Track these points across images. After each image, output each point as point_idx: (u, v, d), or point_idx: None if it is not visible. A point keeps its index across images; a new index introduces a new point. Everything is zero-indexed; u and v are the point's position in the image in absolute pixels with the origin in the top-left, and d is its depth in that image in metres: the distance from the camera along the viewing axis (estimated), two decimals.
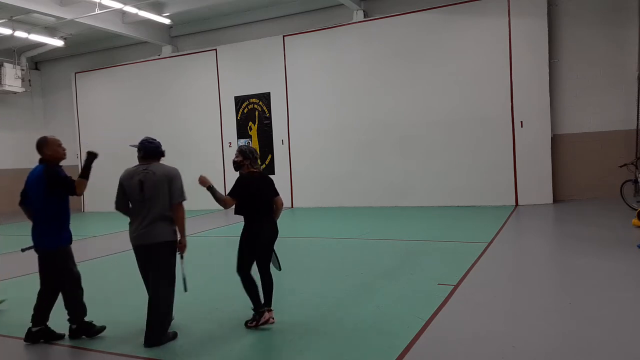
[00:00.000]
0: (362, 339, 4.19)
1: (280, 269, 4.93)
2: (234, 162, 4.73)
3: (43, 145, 4.53)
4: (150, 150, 4.53)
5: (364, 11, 13.64)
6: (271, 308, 4.61)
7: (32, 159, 19.04)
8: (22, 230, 14.52)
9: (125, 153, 18.54)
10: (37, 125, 19.41)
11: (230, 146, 15.35)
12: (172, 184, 4.38)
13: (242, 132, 15.22)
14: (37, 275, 4.58)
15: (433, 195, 12.71)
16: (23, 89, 17.41)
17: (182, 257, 4.48)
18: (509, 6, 11.85)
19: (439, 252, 7.45)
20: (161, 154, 4.61)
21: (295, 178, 14.52)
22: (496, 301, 5.04)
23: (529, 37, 11.76)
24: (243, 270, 4.63)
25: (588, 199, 11.80)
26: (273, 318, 4.55)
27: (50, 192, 4.40)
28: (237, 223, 11.99)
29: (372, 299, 5.27)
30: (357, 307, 5.04)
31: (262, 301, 4.61)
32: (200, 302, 5.65)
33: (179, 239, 4.42)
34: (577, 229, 8.69)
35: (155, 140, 4.63)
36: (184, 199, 4.43)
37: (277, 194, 4.84)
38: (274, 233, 4.74)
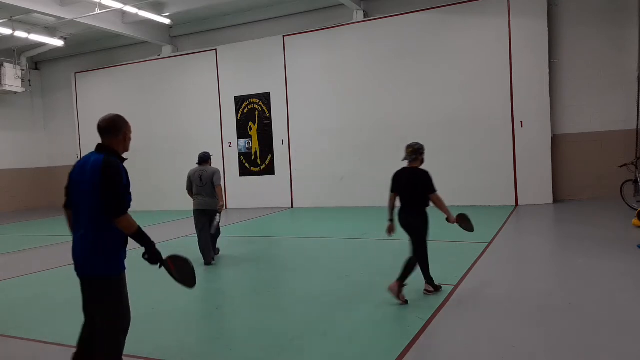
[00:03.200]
0: (362, 338, 4.19)
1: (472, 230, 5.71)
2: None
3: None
4: (201, 158, 7.64)
5: (364, 11, 13.64)
6: (399, 279, 5.01)
7: (32, 159, 19.05)
8: (22, 231, 14.53)
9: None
10: (37, 125, 19.44)
11: (230, 146, 15.35)
12: (214, 176, 7.46)
13: (242, 132, 15.22)
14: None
15: None
16: (23, 89, 17.41)
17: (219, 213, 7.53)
18: (509, 6, 11.86)
19: (438, 252, 7.43)
20: (205, 160, 7.64)
21: (295, 178, 14.52)
22: (496, 301, 5.04)
23: (529, 37, 11.76)
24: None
25: (588, 199, 11.80)
26: (397, 293, 4.95)
27: None
28: (238, 223, 11.99)
29: (372, 299, 5.27)
30: (357, 307, 5.04)
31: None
32: (200, 302, 5.65)
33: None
34: (577, 229, 8.69)
35: (206, 152, 7.80)
36: (219, 184, 7.47)
37: (429, 190, 5.25)
38: (412, 221, 5.30)
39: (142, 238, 3.12)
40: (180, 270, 3.28)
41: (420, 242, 5.28)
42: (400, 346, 3.92)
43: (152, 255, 3.15)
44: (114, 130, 3.21)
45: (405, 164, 5.49)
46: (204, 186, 7.41)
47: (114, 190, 3.04)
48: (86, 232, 3.09)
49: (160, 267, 3.20)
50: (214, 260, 7.49)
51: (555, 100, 12.01)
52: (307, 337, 4.30)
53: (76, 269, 3.16)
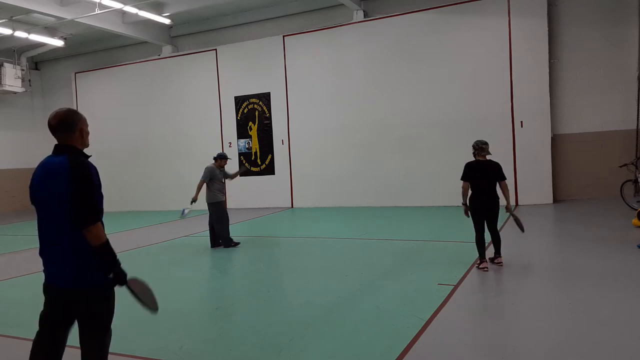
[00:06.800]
0: (362, 339, 4.19)
1: (523, 231, 6.51)
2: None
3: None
4: (217, 156, 8.86)
5: (364, 11, 13.64)
6: (500, 256, 6.24)
7: (32, 159, 19.08)
8: (22, 231, 14.53)
9: (124, 152, 18.42)
10: (37, 125, 19.41)
11: (230, 146, 15.35)
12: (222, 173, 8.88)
13: (242, 132, 15.23)
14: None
15: (433, 195, 12.70)
16: (23, 89, 17.40)
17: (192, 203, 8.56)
18: (509, 6, 11.86)
19: (439, 252, 7.45)
20: (214, 159, 8.77)
21: (295, 178, 14.53)
22: (496, 301, 5.04)
23: (529, 37, 11.76)
24: (481, 231, 6.15)
25: (588, 199, 11.80)
26: (501, 263, 6.21)
27: None
28: (238, 223, 11.95)
29: (372, 299, 5.27)
30: (357, 307, 5.04)
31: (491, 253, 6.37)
32: (200, 302, 5.65)
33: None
34: (577, 229, 8.69)
35: (220, 152, 8.97)
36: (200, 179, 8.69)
37: (503, 178, 6.18)
38: (495, 205, 6.12)
39: (109, 252, 2.75)
40: (144, 294, 2.94)
41: (495, 221, 6.22)
42: (400, 346, 3.92)
43: (118, 274, 2.77)
44: (67, 127, 2.88)
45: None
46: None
47: (86, 197, 2.68)
48: (65, 242, 2.73)
49: (122, 285, 2.84)
50: (220, 246, 8.71)
51: (555, 100, 12.01)
52: (306, 337, 4.30)
53: (63, 285, 2.78)
